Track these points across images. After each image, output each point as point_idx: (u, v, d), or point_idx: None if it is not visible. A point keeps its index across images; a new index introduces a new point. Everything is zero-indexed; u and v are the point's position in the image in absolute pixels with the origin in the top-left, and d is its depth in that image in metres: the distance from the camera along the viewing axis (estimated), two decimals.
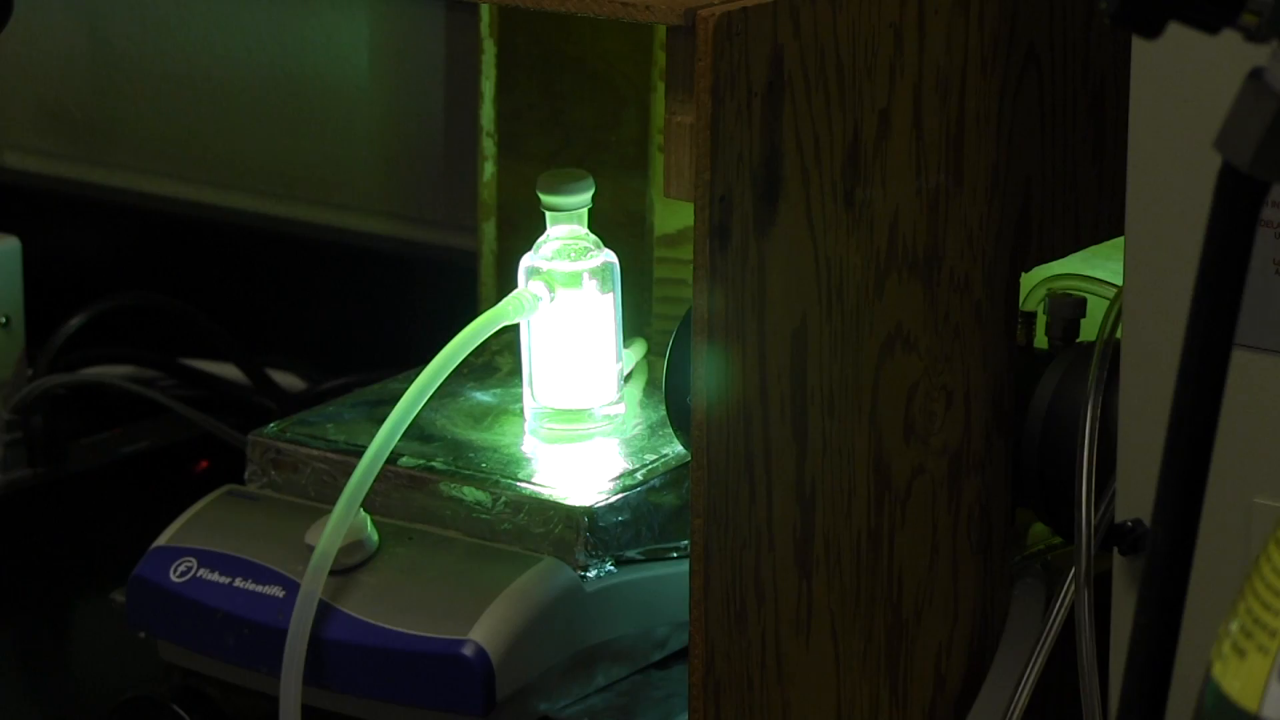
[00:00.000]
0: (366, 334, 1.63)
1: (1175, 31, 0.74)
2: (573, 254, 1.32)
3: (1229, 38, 0.74)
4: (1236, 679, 0.68)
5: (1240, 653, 0.68)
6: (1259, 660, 0.67)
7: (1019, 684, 1.18)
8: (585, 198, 1.32)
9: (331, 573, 1.21)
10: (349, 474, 1.22)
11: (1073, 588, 1.16)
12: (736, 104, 1.03)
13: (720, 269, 1.04)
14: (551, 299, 1.31)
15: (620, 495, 1.26)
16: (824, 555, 1.12)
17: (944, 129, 1.14)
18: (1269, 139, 0.75)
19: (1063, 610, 1.18)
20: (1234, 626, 0.69)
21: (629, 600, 1.25)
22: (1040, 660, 1.18)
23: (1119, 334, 1.13)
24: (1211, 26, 0.74)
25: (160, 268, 1.78)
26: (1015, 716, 1.18)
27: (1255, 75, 0.74)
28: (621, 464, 1.30)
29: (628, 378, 1.36)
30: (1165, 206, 1.08)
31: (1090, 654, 1.15)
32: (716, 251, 1.03)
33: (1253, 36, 0.74)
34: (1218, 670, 0.69)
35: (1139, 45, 1.06)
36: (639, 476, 1.28)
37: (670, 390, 1.19)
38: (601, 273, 1.32)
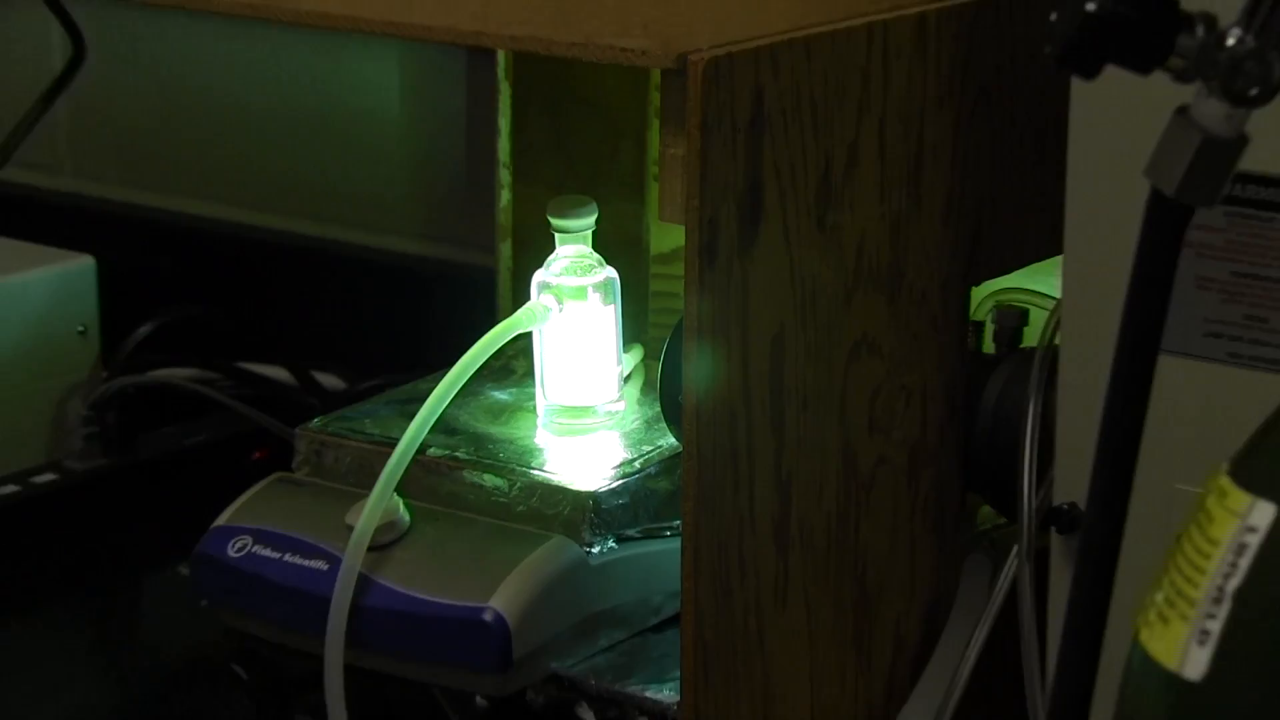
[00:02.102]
0: (398, 340, 1.63)
1: (1111, 72, 0.75)
2: (579, 271, 1.32)
3: (1158, 78, 0.75)
4: (1160, 642, 0.69)
5: (1164, 619, 0.69)
6: (1180, 626, 0.68)
7: (967, 647, 1.18)
8: (589, 221, 1.33)
9: (369, 549, 1.21)
10: (384, 463, 1.23)
11: (1016, 563, 1.17)
12: (722, 138, 1.03)
13: (708, 283, 1.04)
14: (560, 310, 1.32)
15: (620, 481, 1.26)
16: (798, 536, 1.12)
17: (905, 160, 1.14)
18: (1193, 168, 0.75)
19: (1007, 582, 1.18)
20: (1158, 597, 0.69)
21: (628, 573, 1.26)
22: (987, 626, 1.19)
23: (1057, 341, 1.13)
24: (1143, 69, 0.75)
25: (218, 282, 1.79)
26: (964, 676, 1.18)
27: (1181, 112, 0.75)
28: (621, 454, 1.30)
29: (627, 379, 1.36)
30: (1100, 228, 1.08)
31: (1030, 621, 1.16)
32: (705, 268, 1.04)
33: (1179, 78, 0.75)
34: (1144, 635, 0.70)
35: (1078, 84, 1.07)
36: (637, 465, 1.28)
37: (664, 389, 1.19)
38: (604, 287, 1.32)
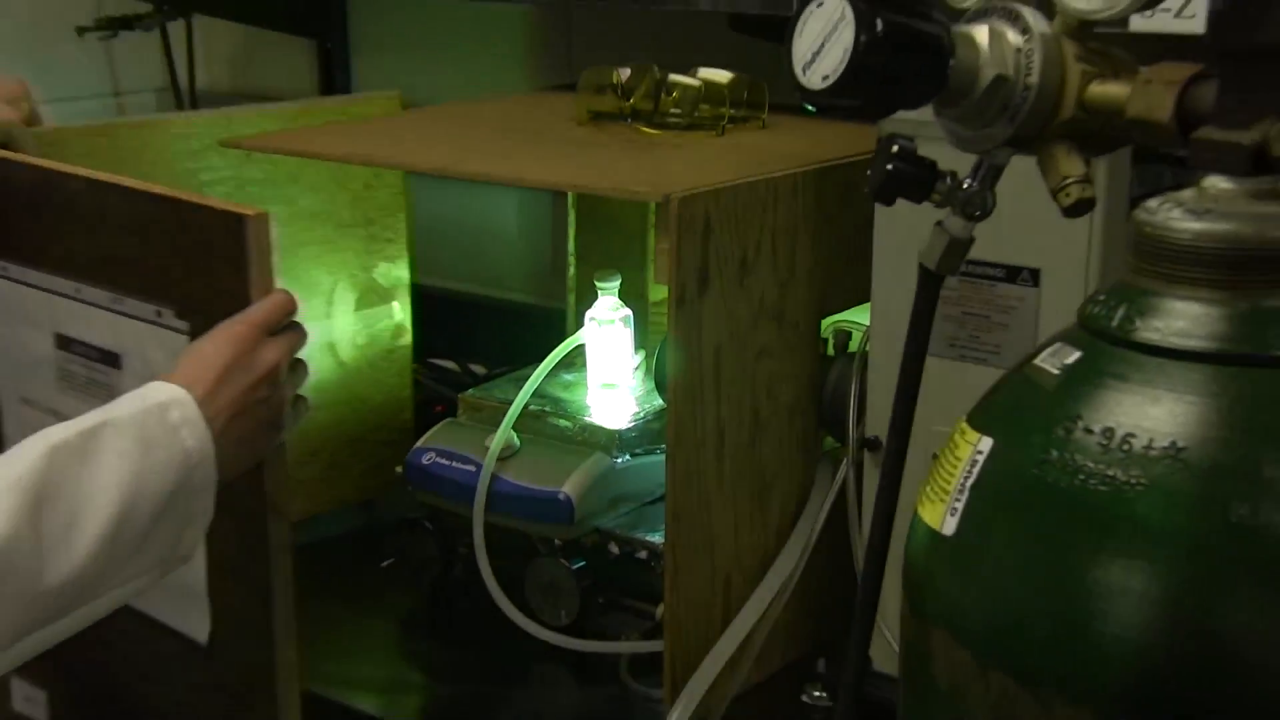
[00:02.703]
0: (515, 346, 1.61)
1: (900, 202, 0.78)
2: (611, 310, 1.35)
3: (926, 205, 0.77)
4: (929, 513, 0.70)
5: (931, 501, 0.70)
6: (940, 504, 0.69)
7: (819, 513, 1.20)
8: (616, 284, 1.36)
9: (497, 459, 1.25)
10: (505, 413, 1.26)
11: (846, 467, 1.19)
12: (688, 239, 1.06)
13: (680, 318, 1.07)
14: (600, 331, 1.35)
15: (632, 423, 1.30)
16: (728, 452, 1.14)
17: (786, 251, 1.15)
18: (945, 255, 0.78)
19: (841, 478, 1.20)
20: (928, 488, 0.71)
21: (637, 473, 1.28)
22: (829, 502, 1.20)
23: (868, 348, 1.14)
24: (918, 201, 0.76)
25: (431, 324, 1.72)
26: (817, 529, 1.20)
27: (939, 224, 0.78)
28: (633, 408, 1.33)
29: (636, 368, 1.38)
30: (892, 286, 1.09)
31: (854, 499, 1.18)
32: (678, 309, 1.06)
33: (938, 206, 0.77)
34: (920, 510, 0.72)
35: (880, 207, 1.09)
36: (641, 414, 1.31)
37: (656, 374, 1.22)
38: (624, 320, 1.35)
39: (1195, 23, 0.97)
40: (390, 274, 1.55)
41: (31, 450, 0.87)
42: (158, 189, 1.02)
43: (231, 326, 0.96)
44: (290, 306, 0.99)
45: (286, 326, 0.99)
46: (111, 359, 1.07)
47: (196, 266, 1.00)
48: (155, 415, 0.91)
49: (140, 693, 1.15)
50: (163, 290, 1.02)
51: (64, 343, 1.10)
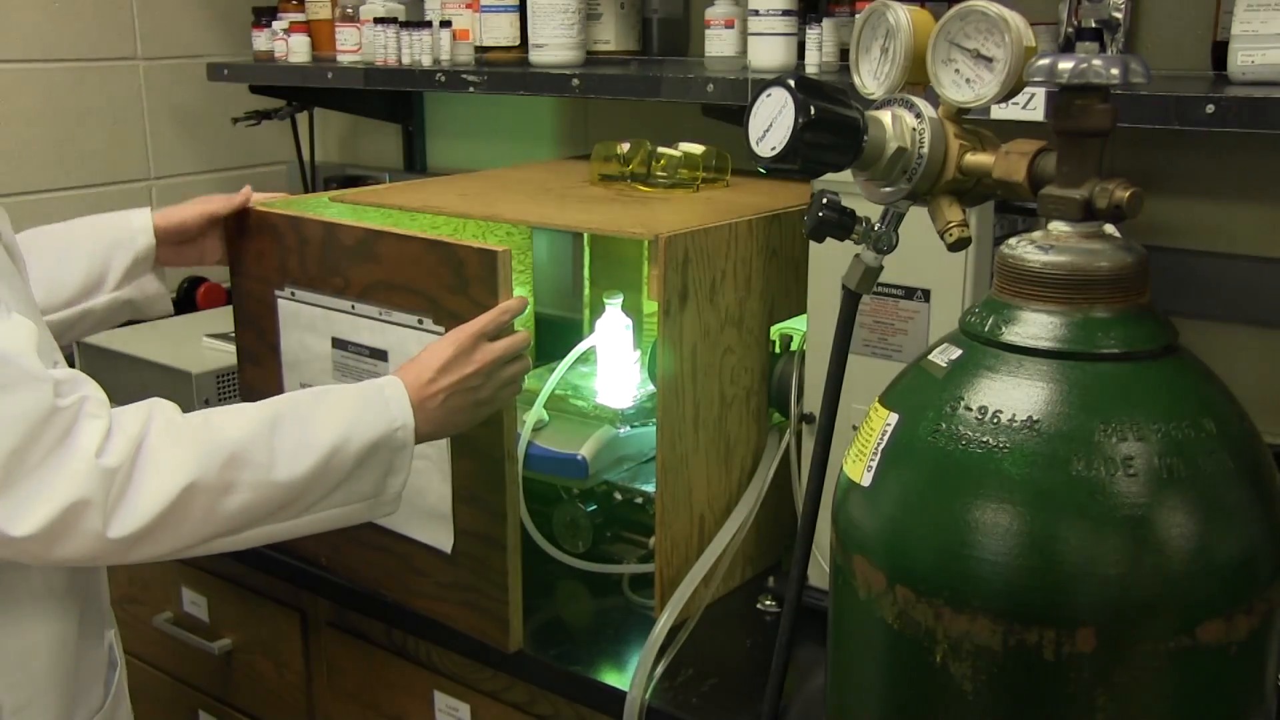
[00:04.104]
0: (543, 347, 1.57)
1: (829, 241, 0.77)
2: (615, 320, 1.33)
3: (848, 243, 0.77)
4: (851, 469, 0.70)
5: (854, 460, 0.69)
6: (859, 462, 0.69)
7: (769, 472, 1.18)
8: (619, 300, 1.33)
9: (532, 430, 1.23)
10: (537, 397, 1.24)
11: (790, 437, 1.17)
12: (673, 267, 1.05)
13: (666, 326, 1.05)
14: (608, 335, 1.32)
15: (632, 403, 1.28)
16: (702, 424, 1.12)
17: (745, 277, 1.14)
18: (861, 279, 0.77)
19: (785, 444, 1.18)
20: (852, 450, 0.70)
21: (636, 440, 1.27)
22: (776, 463, 1.18)
23: (805, 347, 1.13)
24: (841, 239, 0.76)
25: None
26: (766, 484, 1.17)
27: (857, 256, 0.77)
28: (633, 392, 1.31)
29: (635, 362, 1.35)
30: (822, 301, 1.08)
31: (795, 462, 1.16)
32: (665, 319, 1.05)
33: (856, 242, 0.76)
34: (845, 467, 0.71)
35: (814, 244, 1.08)
36: (639, 395, 1.29)
37: (650, 368, 1.20)
38: (626, 327, 1.33)
39: (1037, 113, 0.99)
40: None
41: (277, 396, 0.93)
42: (426, 235, 1.06)
43: (457, 332, 0.98)
44: (506, 316, 1.00)
45: (508, 332, 1.00)
46: (380, 355, 1.11)
47: (455, 288, 1.03)
48: (372, 390, 0.94)
49: (403, 585, 1.17)
50: (424, 305, 1.05)
51: (339, 344, 1.14)
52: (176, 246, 1.18)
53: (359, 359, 1.12)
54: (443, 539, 1.11)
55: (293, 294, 1.18)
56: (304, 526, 0.91)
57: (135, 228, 1.13)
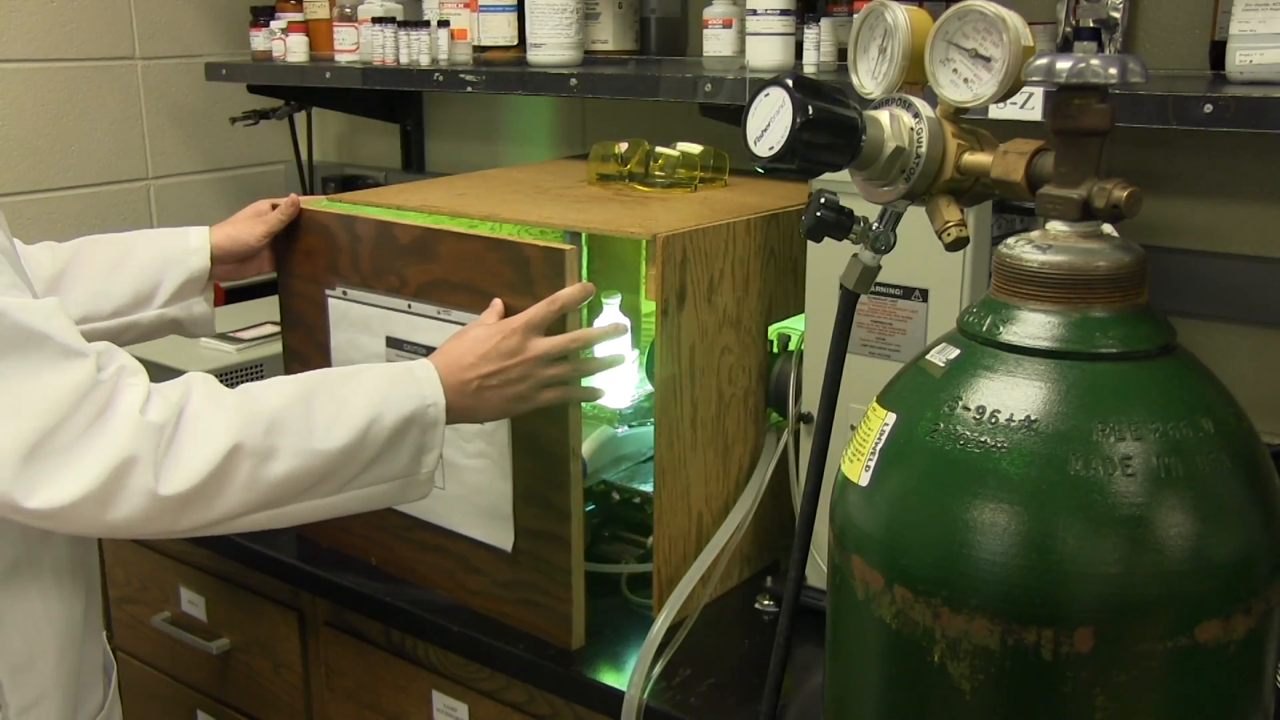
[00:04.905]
0: None
1: (827, 241, 0.77)
2: (614, 319, 1.32)
3: (846, 242, 0.77)
4: (849, 469, 0.69)
5: (852, 460, 0.69)
6: (857, 462, 0.68)
7: (767, 470, 1.18)
8: (618, 300, 1.34)
9: None
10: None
11: (787, 435, 1.17)
12: (670, 267, 1.04)
13: (664, 326, 1.05)
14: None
15: (631, 402, 1.28)
16: (701, 423, 1.12)
17: (742, 277, 1.14)
18: (859, 278, 0.77)
19: (783, 443, 1.18)
20: (850, 450, 0.70)
21: (634, 440, 1.27)
22: (774, 461, 1.18)
23: (803, 347, 1.13)
24: (839, 239, 0.76)
25: None
26: (765, 481, 1.17)
27: (855, 256, 0.77)
28: (631, 392, 1.31)
29: (633, 361, 1.35)
30: (820, 301, 1.08)
31: (793, 460, 1.17)
32: (663, 319, 1.05)
33: (854, 242, 0.76)
34: (843, 466, 0.70)
35: (811, 244, 1.08)
36: (638, 395, 1.30)
37: (648, 367, 1.18)
38: (625, 326, 1.31)
39: (1035, 112, 0.98)
40: None
41: (308, 372, 0.94)
42: (485, 233, 1.06)
43: (506, 322, 0.98)
44: (555, 307, 1.00)
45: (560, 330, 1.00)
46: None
47: (519, 286, 1.03)
48: (404, 370, 0.95)
49: (459, 584, 1.18)
50: (485, 304, 1.05)
51: (394, 343, 1.14)
52: (238, 264, 1.18)
53: (414, 358, 1.10)
54: (503, 537, 1.10)
55: (344, 293, 1.17)
56: (341, 504, 0.92)
57: (191, 247, 1.14)
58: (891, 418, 0.67)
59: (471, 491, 1.10)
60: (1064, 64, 0.64)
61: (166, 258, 1.12)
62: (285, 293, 1.24)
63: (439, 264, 1.09)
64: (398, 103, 1.95)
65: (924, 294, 1.02)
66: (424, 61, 1.58)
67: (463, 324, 1.07)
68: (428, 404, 0.94)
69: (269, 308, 1.89)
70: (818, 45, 1.32)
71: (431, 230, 1.09)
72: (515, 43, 1.60)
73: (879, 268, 0.78)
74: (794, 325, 1.20)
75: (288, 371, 1.25)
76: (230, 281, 1.20)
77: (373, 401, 0.91)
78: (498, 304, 1.02)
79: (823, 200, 0.75)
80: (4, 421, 0.78)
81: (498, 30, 1.59)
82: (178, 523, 0.84)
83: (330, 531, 1.28)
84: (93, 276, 1.09)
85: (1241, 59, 1.03)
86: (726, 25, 1.39)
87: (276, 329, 1.77)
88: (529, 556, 1.10)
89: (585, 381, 1.06)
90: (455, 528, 1.14)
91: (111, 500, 0.81)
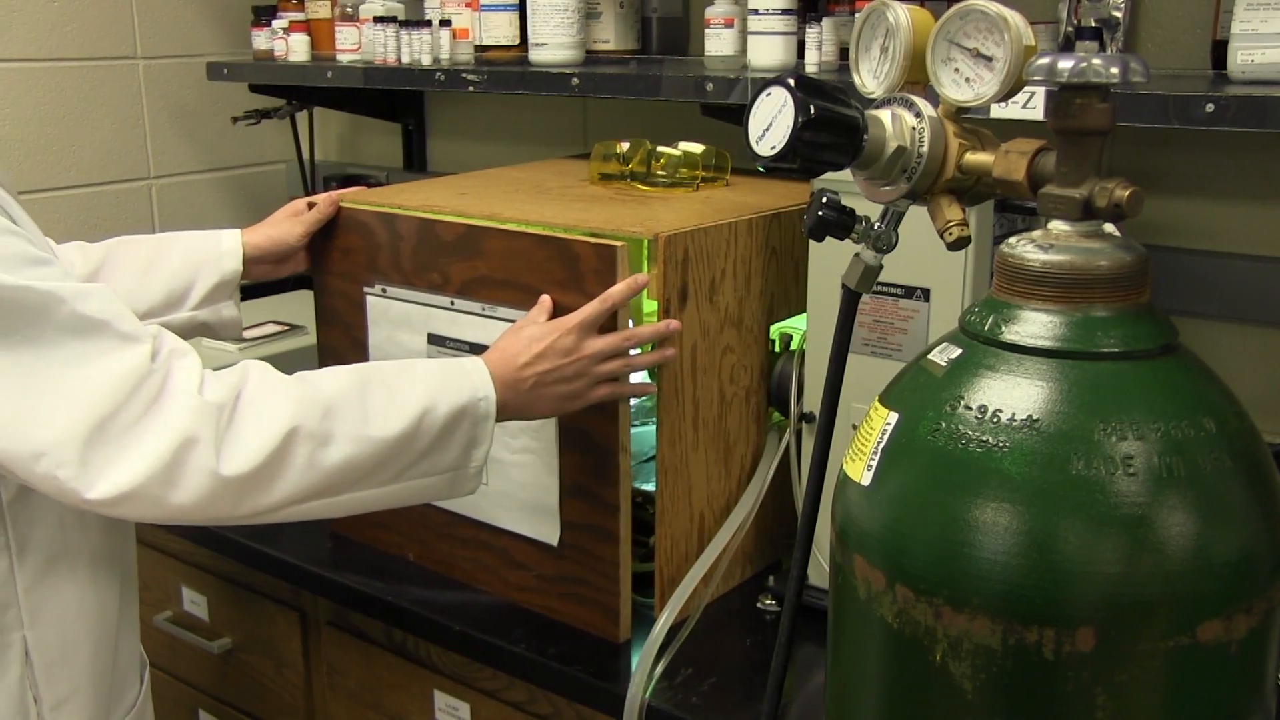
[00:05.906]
0: None
1: (829, 240, 0.77)
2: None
3: (848, 241, 0.77)
4: (851, 468, 0.69)
5: (854, 459, 0.69)
6: (861, 462, 0.68)
7: (769, 470, 1.18)
8: None
9: None
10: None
11: (789, 435, 1.17)
12: (672, 266, 1.05)
13: None
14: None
15: (634, 402, 1.22)
16: (702, 422, 1.12)
17: (744, 276, 1.14)
18: (861, 278, 0.76)
19: (785, 442, 1.18)
20: (852, 449, 0.70)
21: (636, 439, 1.23)
22: (776, 461, 1.18)
23: (805, 346, 1.13)
24: (841, 238, 0.76)
25: None
26: (767, 481, 1.17)
27: (857, 255, 0.77)
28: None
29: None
30: (822, 301, 1.08)
31: (794, 459, 1.16)
32: (666, 318, 1.06)
33: (856, 241, 0.76)
34: (845, 466, 0.70)
35: (814, 243, 1.08)
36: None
37: (650, 367, 1.17)
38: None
39: (1037, 112, 0.98)
40: None
41: (360, 364, 0.95)
42: (533, 229, 1.05)
43: (560, 321, 0.99)
44: (608, 304, 1.00)
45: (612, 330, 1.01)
46: (481, 350, 1.10)
47: (568, 283, 1.03)
48: (454, 364, 0.96)
49: (501, 579, 1.18)
50: (532, 301, 1.05)
51: (436, 340, 1.14)
52: (275, 265, 1.19)
53: (458, 355, 1.11)
54: (549, 532, 1.10)
55: (384, 290, 1.17)
56: (392, 496, 0.92)
57: (224, 249, 1.14)
58: (893, 417, 0.67)
59: (516, 486, 1.10)
60: (1066, 63, 0.64)
61: (200, 260, 1.12)
62: (321, 290, 1.23)
63: (484, 261, 1.09)
64: (399, 102, 1.96)
65: (926, 293, 1.02)
66: (425, 61, 1.58)
67: (508, 321, 1.07)
68: (479, 398, 0.94)
69: (271, 308, 1.91)
70: (819, 45, 1.32)
71: (477, 228, 1.09)
72: (517, 42, 1.61)
73: (881, 267, 0.78)
74: (796, 325, 1.20)
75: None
76: (269, 279, 1.20)
77: (426, 393, 0.92)
78: (546, 301, 1.02)
79: (824, 200, 0.75)
80: (67, 408, 0.78)
81: (499, 30, 1.60)
82: (238, 507, 0.83)
83: (366, 528, 1.28)
84: (126, 277, 1.08)
85: (1243, 58, 1.03)
86: (728, 25, 1.39)
87: (279, 329, 1.78)
88: (575, 550, 1.10)
89: (634, 377, 1.06)
90: (498, 523, 1.14)
91: (174, 481, 0.81)
